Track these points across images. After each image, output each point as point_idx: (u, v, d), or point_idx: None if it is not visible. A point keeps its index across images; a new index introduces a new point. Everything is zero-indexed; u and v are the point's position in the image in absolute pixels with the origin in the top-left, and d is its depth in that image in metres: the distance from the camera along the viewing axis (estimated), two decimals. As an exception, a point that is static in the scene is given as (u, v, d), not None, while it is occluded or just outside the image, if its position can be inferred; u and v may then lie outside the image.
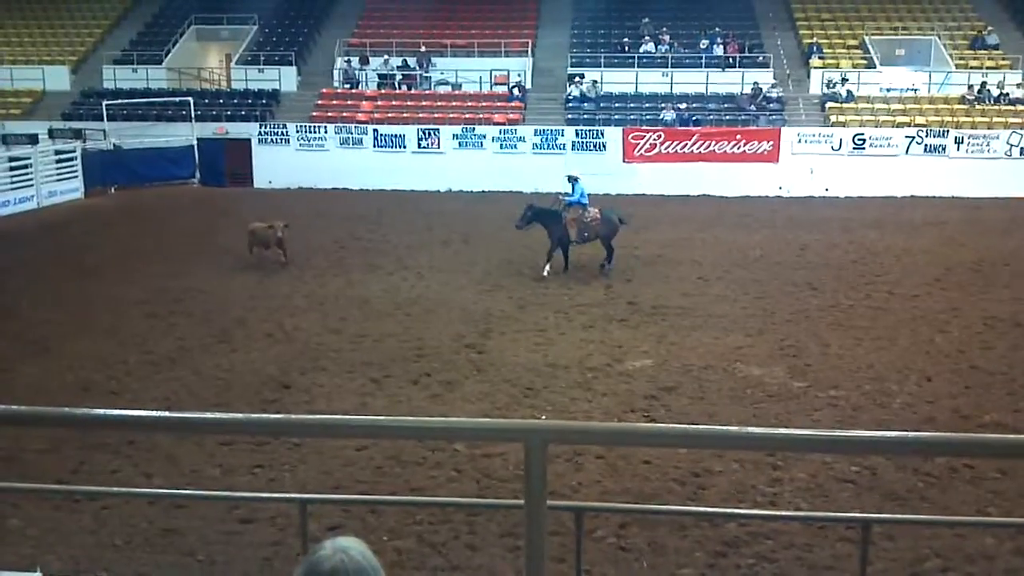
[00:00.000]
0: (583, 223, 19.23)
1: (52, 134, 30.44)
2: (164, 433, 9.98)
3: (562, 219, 19.17)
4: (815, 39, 35.03)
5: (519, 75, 34.14)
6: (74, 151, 30.18)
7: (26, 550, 8.07)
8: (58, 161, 29.80)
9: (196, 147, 32.25)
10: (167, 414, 2.79)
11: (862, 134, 30.79)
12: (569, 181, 19.98)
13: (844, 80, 32.59)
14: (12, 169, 28.09)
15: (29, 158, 28.47)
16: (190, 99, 32.62)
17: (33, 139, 29.06)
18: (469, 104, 33.42)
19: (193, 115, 32.27)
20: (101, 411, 3.49)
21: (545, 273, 18.92)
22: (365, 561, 2.26)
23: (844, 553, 7.98)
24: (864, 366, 13.66)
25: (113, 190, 30.52)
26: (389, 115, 33.03)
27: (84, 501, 9.24)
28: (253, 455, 10.45)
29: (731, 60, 34.16)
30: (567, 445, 9.35)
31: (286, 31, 37.10)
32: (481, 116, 32.61)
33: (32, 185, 28.35)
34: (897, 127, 31.07)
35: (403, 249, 21.91)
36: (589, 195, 19.96)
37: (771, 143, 30.95)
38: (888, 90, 32.91)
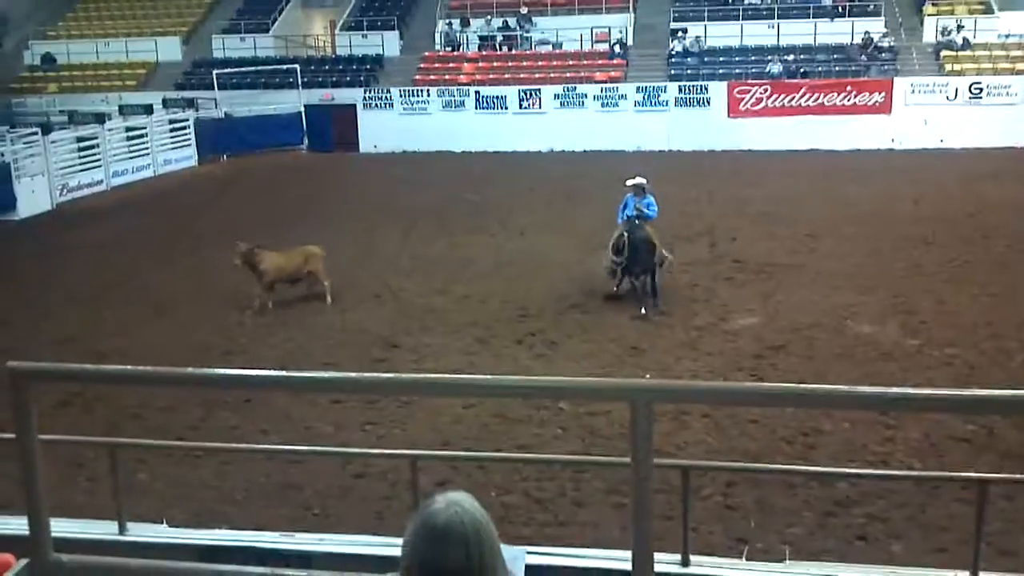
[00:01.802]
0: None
1: (166, 104, 31.36)
2: (280, 391, 10.31)
3: (645, 236, 14.30)
4: (929, -16, 33.65)
5: (620, 32, 33.69)
6: (187, 120, 31.07)
7: (152, 503, 8.45)
8: (172, 130, 30.72)
9: (304, 114, 32.83)
10: (282, 373, 2.90)
11: (979, 83, 29.53)
12: (637, 191, 14.72)
13: (960, 27, 31.23)
14: (129, 139, 29.09)
15: (145, 128, 29.42)
16: (297, 66, 33.16)
17: (148, 109, 29.99)
18: (570, 63, 33.15)
19: (300, 82, 32.81)
20: (220, 371, 3.64)
21: (663, 309, 14.34)
22: (478, 514, 2.32)
23: (959, 513, 7.80)
24: (981, 323, 13.23)
25: (225, 157, 31.32)
26: (490, 76, 33.03)
27: (205, 456, 9.63)
28: (364, 412, 10.73)
29: (840, 9, 33.05)
30: (673, 404, 9.33)
31: (388, -5, 37.33)
32: (582, 75, 32.33)
33: (148, 154, 29.32)
34: (1016, 75, 29.67)
35: (506, 210, 21.98)
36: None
37: (883, 94, 29.96)
38: (1007, 36, 31.39)
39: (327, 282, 15.44)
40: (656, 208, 14.76)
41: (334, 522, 8.24)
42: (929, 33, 31.96)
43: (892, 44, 31.38)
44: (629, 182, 14.81)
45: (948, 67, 30.37)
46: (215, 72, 32.54)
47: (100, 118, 28.22)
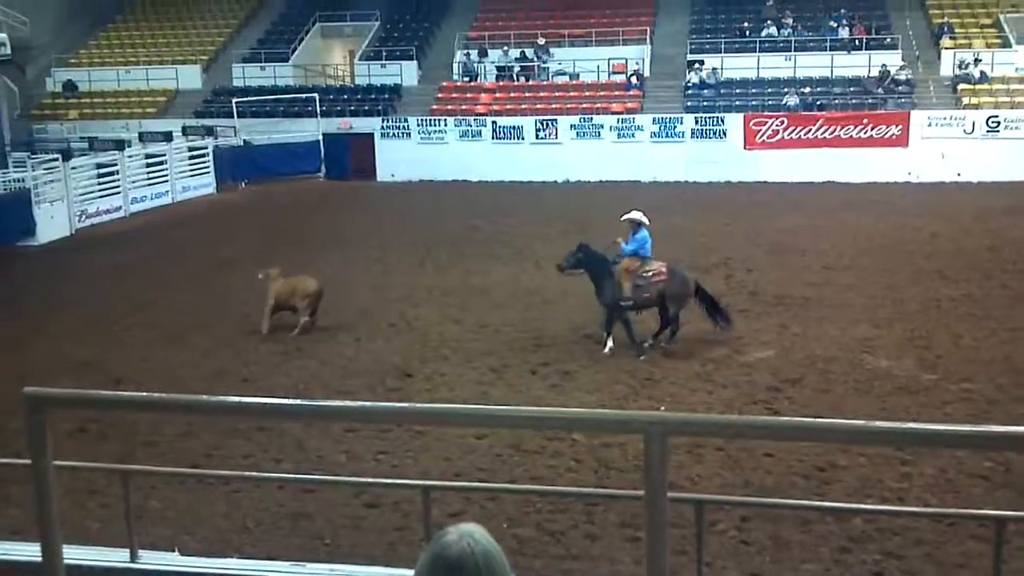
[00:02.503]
0: (641, 278, 13.94)
1: (185, 131, 31.59)
2: (294, 420, 10.31)
3: (613, 271, 14.05)
4: (946, 18, 33.68)
5: (637, 63, 33.84)
6: (206, 148, 31.30)
7: (164, 531, 8.44)
8: (191, 157, 30.95)
9: (322, 142, 33.05)
10: (296, 402, 2.91)
11: (996, 116, 29.50)
12: (631, 225, 14.25)
13: (977, 60, 31.25)
14: (149, 166, 29.30)
15: (164, 155, 29.65)
16: (315, 95, 33.42)
17: (168, 136, 30.22)
18: (587, 94, 33.30)
19: (319, 111, 33.06)
20: (234, 399, 3.63)
21: (607, 349, 13.92)
22: (490, 546, 2.30)
23: (976, 551, 7.72)
24: (999, 358, 13.14)
25: (243, 185, 31.51)
26: (507, 107, 33.19)
27: (218, 485, 9.62)
28: (377, 442, 10.71)
29: (857, 42, 33.14)
30: (688, 437, 9.29)
31: (407, 26, 37.65)
32: (599, 106, 32.48)
33: (167, 181, 29.53)
34: (1035, 109, 29.65)
35: (522, 240, 22.01)
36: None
37: (900, 127, 29.95)
38: (1025, 70, 31.42)
39: (304, 318, 15.22)
40: (637, 245, 14.08)
41: (346, 552, 8.21)
42: (946, 66, 31.98)
43: (909, 77, 31.41)
44: (623, 217, 14.41)
45: (965, 100, 30.36)
46: (234, 100, 32.80)
47: (120, 145, 28.44)
